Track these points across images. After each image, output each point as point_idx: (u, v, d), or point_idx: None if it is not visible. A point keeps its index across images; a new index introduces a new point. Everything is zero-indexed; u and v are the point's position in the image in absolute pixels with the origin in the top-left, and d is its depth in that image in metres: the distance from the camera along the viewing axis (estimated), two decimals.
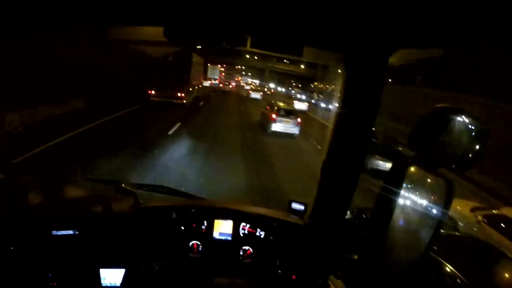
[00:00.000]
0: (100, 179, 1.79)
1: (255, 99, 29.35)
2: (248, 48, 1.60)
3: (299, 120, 13.06)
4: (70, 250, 1.44)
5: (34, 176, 1.72)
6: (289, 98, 27.75)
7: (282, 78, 54.74)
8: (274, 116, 12.78)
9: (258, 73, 66.24)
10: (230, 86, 41.08)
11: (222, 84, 40.70)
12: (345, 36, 1.36)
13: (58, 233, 1.43)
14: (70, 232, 1.44)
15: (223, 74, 47.30)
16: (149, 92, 16.04)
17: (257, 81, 65.58)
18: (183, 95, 16.61)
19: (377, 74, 1.37)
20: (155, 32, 1.41)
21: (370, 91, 1.38)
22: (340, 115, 1.48)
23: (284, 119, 12.88)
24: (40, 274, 1.40)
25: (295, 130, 13.04)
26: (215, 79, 40.03)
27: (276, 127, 12.78)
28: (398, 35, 1.26)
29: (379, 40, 1.29)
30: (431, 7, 1.00)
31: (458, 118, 0.82)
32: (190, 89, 18.60)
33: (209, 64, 38.17)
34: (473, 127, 0.83)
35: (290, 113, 13.29)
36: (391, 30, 1.22)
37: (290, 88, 44.53)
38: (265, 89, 40.40)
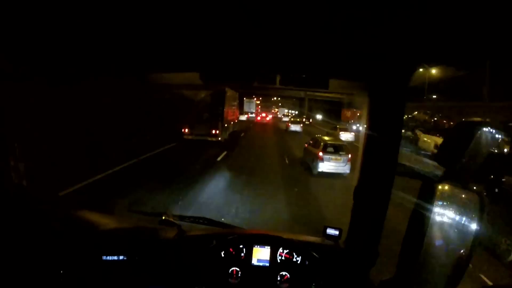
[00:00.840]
0: (144, 211, 2.01)
1: (295, 132, 27.10)
2: (277, 85, 1.78)
3: (349, 156, 10.90)
4: (117, 274, 1.60)
5: (81, 207, 1.97)
6: (333, 129, 24.16)
7: (325, 107, 48.43)
8: (320, 154, 10.84)
9: (296, 102, 65.53)
10: (267, 119, 42.07)
11: (260, 117, 41.81)
12: (366, 65, 1.49)
13: (108, 258, 1.61)
14: (120, 257, 1.62)
15: (259, 107, 48.31)
16: (183, 130, 15.73)
17: (295, 112, 64.90)
18: (217, 132, 15.99)
19: (398, 97, 1.46)
20: (191, 76, 1.62)
21: (393, 114, 1.48)
22: (368, 140, 1.58)
23: (332, 156, 10.86)
24: None
25: (345, 169, 10.92)
26: (251, 113, 40.99)
27: (324, 167, 10.82)
28: (414, 59, 1.38)
29: (396, 65, 1.40)
30: (445, 26, 1.10)
31: (484, 130, 0.85)
32: (226, 125, 17.74)
33: (245, 98, 39.04)
34: (499, 139, 0.87)
35: (339, 148, 11.14)
36: (408, 55, 1.33)
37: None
38: (304, 119, 38.40)
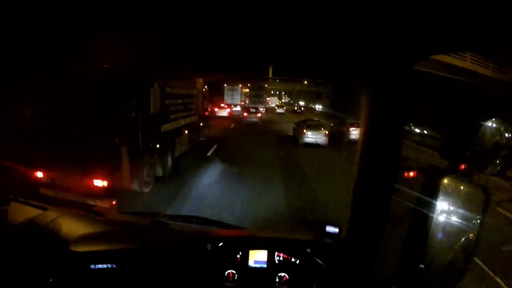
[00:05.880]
0: (135, 212, 2.12)
1: (316, 144, 15.65)
2: (270, 76, 1.96)
3: None
4: (107, 283, 1.72)
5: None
6: (339, 124, 17.70)
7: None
8: None
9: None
10: (259, 115, 28.56)
11: (246, 112, 28.84)
12: (368, 54, 1.62)
13: (97, 267, 1.71)
14: (108, 265, 1.72)
15: (246, 97, 36.86)
16: None
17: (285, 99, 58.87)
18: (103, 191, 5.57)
19: (402, 89, 1.58)
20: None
21: (397, 106, 1.59)
22: (368, 134, 1.71)
23: None
24: None
25: None
26: (235, 105, 32.60)
27: None
28: (419, 46, 1.49)
29: (400, 53, 1.52)
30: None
31: (489, 123, 0.91)
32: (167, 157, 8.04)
33: (225, 85, 31.93)
34: (505, 131, 0.93)
35: None
36: (411, 42, 1.45)
37: None
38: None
